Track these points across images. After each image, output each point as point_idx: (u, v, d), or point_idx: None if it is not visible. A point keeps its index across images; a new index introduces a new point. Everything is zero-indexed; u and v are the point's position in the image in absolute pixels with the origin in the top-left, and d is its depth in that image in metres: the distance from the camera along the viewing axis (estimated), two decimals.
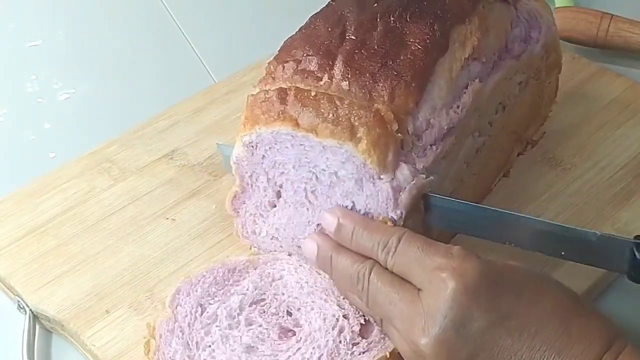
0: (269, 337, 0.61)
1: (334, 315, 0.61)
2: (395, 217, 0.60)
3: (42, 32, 0.99)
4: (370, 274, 0.58)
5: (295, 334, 0.61)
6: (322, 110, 0.60)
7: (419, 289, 0.56)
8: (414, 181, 0.60)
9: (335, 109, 0.60)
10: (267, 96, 0.62)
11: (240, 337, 0.61)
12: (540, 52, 0.75)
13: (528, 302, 0.54)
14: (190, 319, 0.62)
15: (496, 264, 0.57)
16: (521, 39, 0.73)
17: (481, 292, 0.54)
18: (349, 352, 0.59)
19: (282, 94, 0.61)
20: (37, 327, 0.67)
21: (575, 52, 0.91)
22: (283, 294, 0.63)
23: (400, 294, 0.56)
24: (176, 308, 0.63)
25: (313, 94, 0.60)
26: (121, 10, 1.03)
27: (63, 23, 1.01)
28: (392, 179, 0.60)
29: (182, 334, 0.61)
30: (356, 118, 0.59)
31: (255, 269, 0.65)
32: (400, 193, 0.60)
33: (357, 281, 0.59)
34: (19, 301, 0.67)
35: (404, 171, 0.60)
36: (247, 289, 0.64)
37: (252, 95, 0.63)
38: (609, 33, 0.91)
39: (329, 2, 0.69)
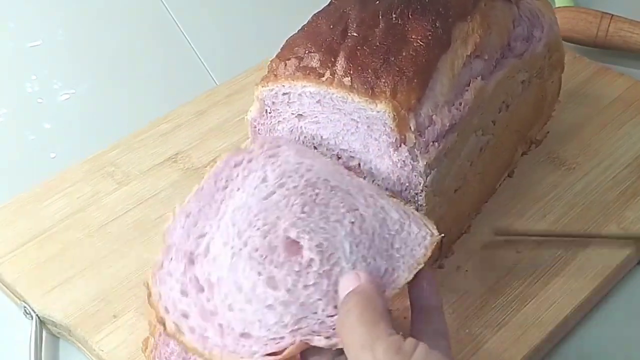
0: None
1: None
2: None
3: (42, 32, 0.98)
4: None
5: None
6: None
7: None
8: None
9: None
10: None
11: None
12: (543, 51, 0.75)
13: None
14: None
15: None
16: (523, 38, 0.73)
17: None
18: None
19: None
20: (44, 332, 0.67)
21: (575, 51, 0.91)
22: None
23: None
24: None
25: None
26: (122, 12, 1.02)
27: (63, 23, 1.00)
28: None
29: None
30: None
31: None
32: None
33: None
34: (25, 307, 0.67)
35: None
36: None
37: None
38: (608, 33, 0.92)
39: (330, 1, 0.69)
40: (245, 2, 1.04)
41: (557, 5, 0.98)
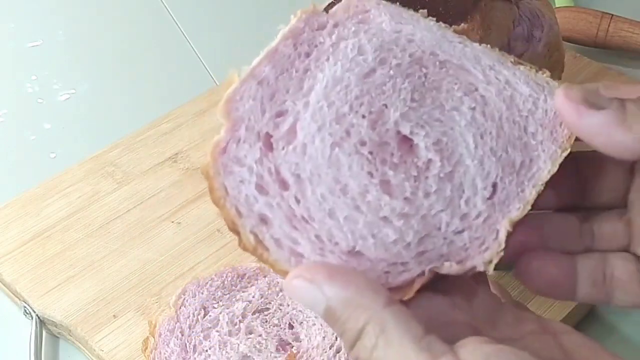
0: (266, 348, 0.60)
1: (333, 334, 0.59)
2: None
3: (42, 32, 0.98)
4: None
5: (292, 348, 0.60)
6: None
7: None
8: None
9: None
10: None
11: (238, 344, 0.60)
12: (543, 51, 0.75)
13: None
14: (192, 321, 0.62)
15: None
16: (523, 38, 0.73)
17: None
18: None
19: None
20: (44, 332, 0.67)
21: (575, 51, 0.92)
22: (288, 305, 0.62)
23: None
24: (180, 308, 0.62)
25: None
26: (122, 11, 1.02)
27: (63, 23, 1.00)
28: None
29: (182, 335, 0.61)
30: None
31: (264, 277, 0.65)
32: None
33: None
34: (25, 307, 0.67)
35: None
36: (253, 297, 0.63)
37: None
38: (608, 33, 0.92)
39: (330, 2, 0.69)
40: (245, 2, 1.04)
41: (557, 5, 0.98)
